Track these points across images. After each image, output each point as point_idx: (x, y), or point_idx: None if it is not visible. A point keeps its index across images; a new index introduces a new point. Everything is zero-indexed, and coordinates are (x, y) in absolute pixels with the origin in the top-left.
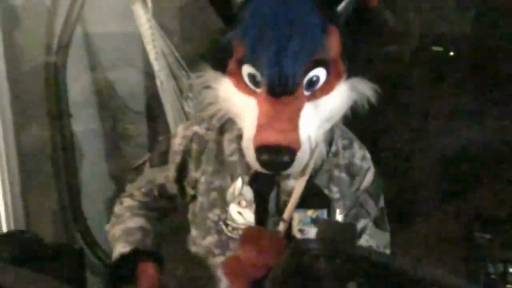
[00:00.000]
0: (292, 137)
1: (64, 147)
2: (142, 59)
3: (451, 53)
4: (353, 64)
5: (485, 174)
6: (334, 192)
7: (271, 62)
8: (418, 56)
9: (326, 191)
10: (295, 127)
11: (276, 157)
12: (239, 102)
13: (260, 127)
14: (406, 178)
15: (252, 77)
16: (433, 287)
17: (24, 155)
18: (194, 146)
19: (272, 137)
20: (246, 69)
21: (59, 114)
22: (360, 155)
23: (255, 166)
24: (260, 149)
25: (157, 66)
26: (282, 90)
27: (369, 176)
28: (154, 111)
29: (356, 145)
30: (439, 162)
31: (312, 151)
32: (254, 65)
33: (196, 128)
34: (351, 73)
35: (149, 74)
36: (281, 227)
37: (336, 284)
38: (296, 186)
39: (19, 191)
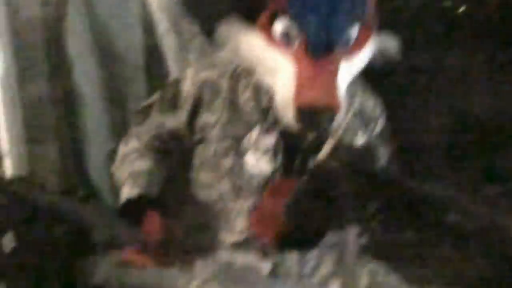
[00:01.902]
0: (334, 97)
1: (65, 98)
2: (142, 10)
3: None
4: (382, 19)
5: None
6: None
7: (320, 23)
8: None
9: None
10: (335, 87)
11: (317, 117)
12: (270, 58)
13: (301, 87)
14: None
15: (287, 33)
16: (451, 208)
17: (27, 106)
18: (206, 92)
19: (314, 98)
20: (281, 24)
21: (59, 64)
22: (372, 101)
23: (293, 125)
24: (302, 109)
25: (160, 14)
26: (325, 50)
27: (381, 122)
28: (153, 66)
29: (367, 92)
30: (448, 125)
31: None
32: (295, 22)
33: (207, 73)
34: (381, 28)
35: (149, 28)
36: None
37: (355, 205)
38: (327, 144)
39: (23, 142)
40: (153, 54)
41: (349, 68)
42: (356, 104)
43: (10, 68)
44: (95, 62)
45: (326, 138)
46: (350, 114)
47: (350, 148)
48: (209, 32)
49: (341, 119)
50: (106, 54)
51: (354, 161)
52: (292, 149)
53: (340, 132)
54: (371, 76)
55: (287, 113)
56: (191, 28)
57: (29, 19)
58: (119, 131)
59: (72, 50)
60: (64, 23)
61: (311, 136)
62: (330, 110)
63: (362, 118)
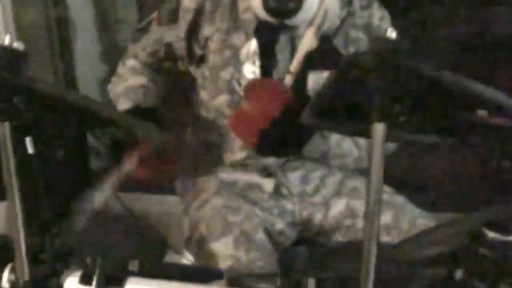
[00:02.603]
0: None
1: (58, 22)
2: None
3: None
4: None
5: None
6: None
7: None
8: None
9: (343, 52)
10: None
11: (282, 2)
12: None
13: None
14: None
15: None
16: (484, 103)
17: (22, 30)
18: (208, 3)
19: None
20: None
21: None
22: (379, 15)
23: (261, 14)
24: None
25: None
26: None
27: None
28: None
29: (376, 5)
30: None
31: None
32: None
33: None
34: None
35: None
36: (288, 79)
37: (385, 99)
38: (304, 37)
39: None
40: None
41: None
42: (359, 15)
43: None
44: None
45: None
46: (321, 10)
47: (385, 39)
48: None
49: (313, 10)
50: None
51: (387, 52)
52: (270, 50)
53: (315, 26)
54: None
55: (256, 1)
56: None
57: None
58: (110, 57)
59: None
60: None
61: (280, 25)
62: None
63: (367, 31)
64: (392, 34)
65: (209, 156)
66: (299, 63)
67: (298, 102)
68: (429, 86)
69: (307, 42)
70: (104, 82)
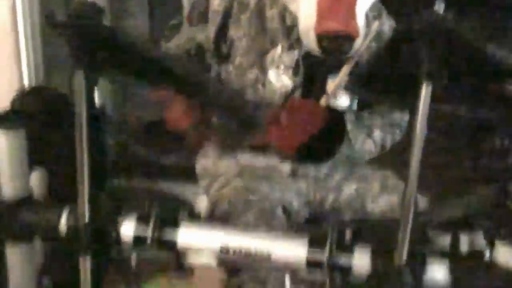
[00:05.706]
0: (352, 25)
1: None
2: None
3: None
4: None
5: None
6: None
7: None
8: None
9: None
10: (354, 15)
11: (337, 44)
12: None
13: (321, 15)
14: None
15: None
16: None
17: None
18: (235, 6)
19: (334, 26)
20: None
21: None
22: (389, 24)
23: (315, 50)
24: (322, 36)
25: None
26: None
27: None
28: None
29: (385, 15)
30: None
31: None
32: None
33: None
34: None
35: None
36: (323, 100)
37: (434, 62)
38: (345, 67)
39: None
40: None
41: None
42: (374, 27)
43: None
44: None
45: (345, 60)
46: (368, 39)
47: (434, 11)
48: None
49: (360, 43)
50: None
51: (436, 22)
52: (313, 69)
53: (357, 55)
54: None
55: (309, 40)
56: None
57: None
58: None
59: None
60: None
61: (331, 59)
62: (349, 37)
63: (378, 40)
64: (440, 6)
65: (231, 139)
66: (337, 87)
67: (332, 119)
68: (473, 54)
69: (347, 69)
70: None
